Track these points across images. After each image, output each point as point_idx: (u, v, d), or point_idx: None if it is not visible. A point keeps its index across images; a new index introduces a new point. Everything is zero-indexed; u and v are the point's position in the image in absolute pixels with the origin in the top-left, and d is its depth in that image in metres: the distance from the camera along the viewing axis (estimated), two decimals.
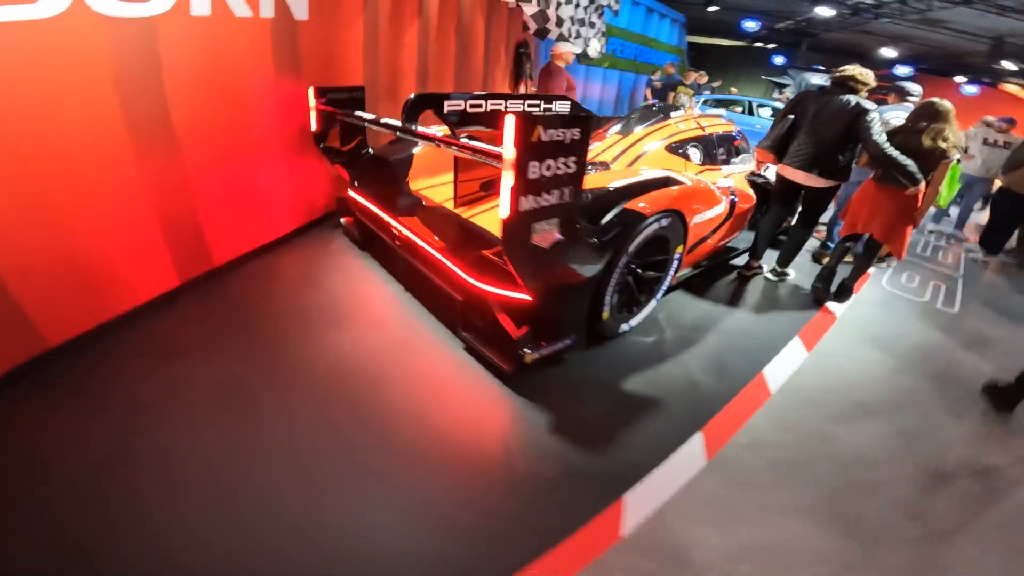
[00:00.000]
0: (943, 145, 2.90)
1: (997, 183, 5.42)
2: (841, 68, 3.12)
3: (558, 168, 1.66)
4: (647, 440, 2.08)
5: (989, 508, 1.96)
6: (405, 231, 2.64)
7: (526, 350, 2.12)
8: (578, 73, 9.85)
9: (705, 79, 8.49)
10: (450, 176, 3.14)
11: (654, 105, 4.04)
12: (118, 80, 2.07)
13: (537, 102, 3.33)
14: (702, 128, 3.75)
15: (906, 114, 3.27)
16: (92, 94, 2.01)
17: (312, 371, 2.24)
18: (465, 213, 2.79)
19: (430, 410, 2.10)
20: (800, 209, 3.53)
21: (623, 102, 10.56)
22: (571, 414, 2.15)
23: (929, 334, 3.35)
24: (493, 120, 2.94)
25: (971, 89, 13.34)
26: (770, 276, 3.73)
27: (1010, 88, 12.73)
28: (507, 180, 1.57)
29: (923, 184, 2.93)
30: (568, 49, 4.91)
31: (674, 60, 9.95)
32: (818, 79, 11.28)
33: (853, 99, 2.99)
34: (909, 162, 2.86)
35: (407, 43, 4.35)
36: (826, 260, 3.69)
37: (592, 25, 6.40)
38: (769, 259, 3.81)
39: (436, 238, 2.49)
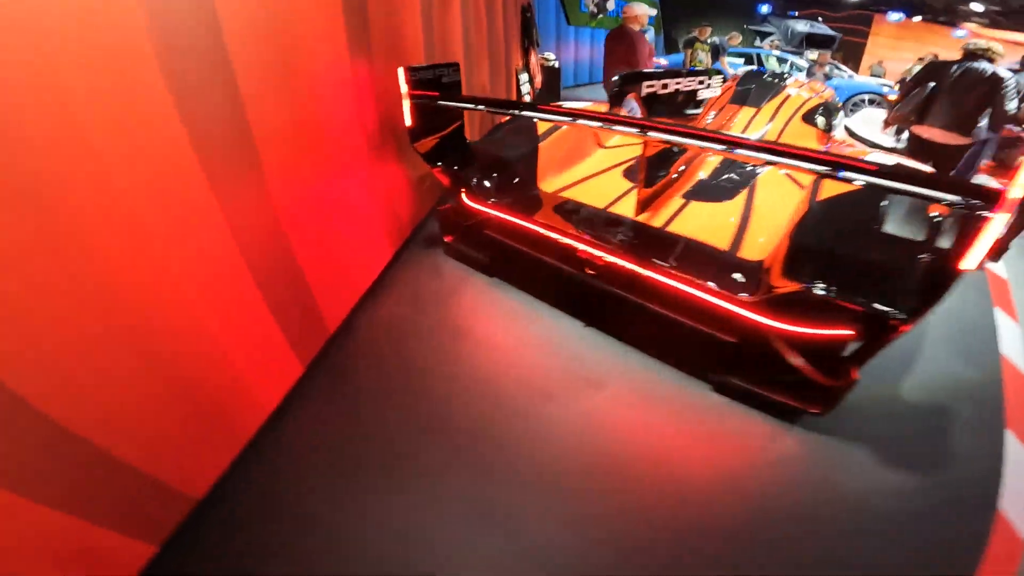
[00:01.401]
0: None
1: None
2: (974, 42, 3.30)
3: None
4: (963, 451, 1.86)
5: None
6: (613, 259, 2.05)
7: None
8: (569, 35, 9.35)
9: (738, 39, 8.21)
10: (583, 170, 2.76)
11: (763, 72, 3.80)
12: (168, 68, 1.21)
13: (702, 78, 2.73)
14: (820, 95, 3.55)
15: None
16: (136, 93, 1.15)
17: (538, 456, 1.76)
18: (652, 219, 2.28)
19: (724, 477, 1.70)
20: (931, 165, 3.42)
21: (594, 60, 10.24)
22: (866, 439, 1.86)
23: None
24: (676, 105, 2.47)
25: (895, 16, 13.68)
26: None
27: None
28: (996, 227, 1.19)
29: None
30: (644, 10, 4.28)
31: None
32: (802, 26, 11.32)
33: (990, 68, 3.18)
34: None
35: (453, 14, 3.70)
36: None
37: None
38: None
39: (672, 267, 1.93)
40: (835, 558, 1.49)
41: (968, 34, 13.31)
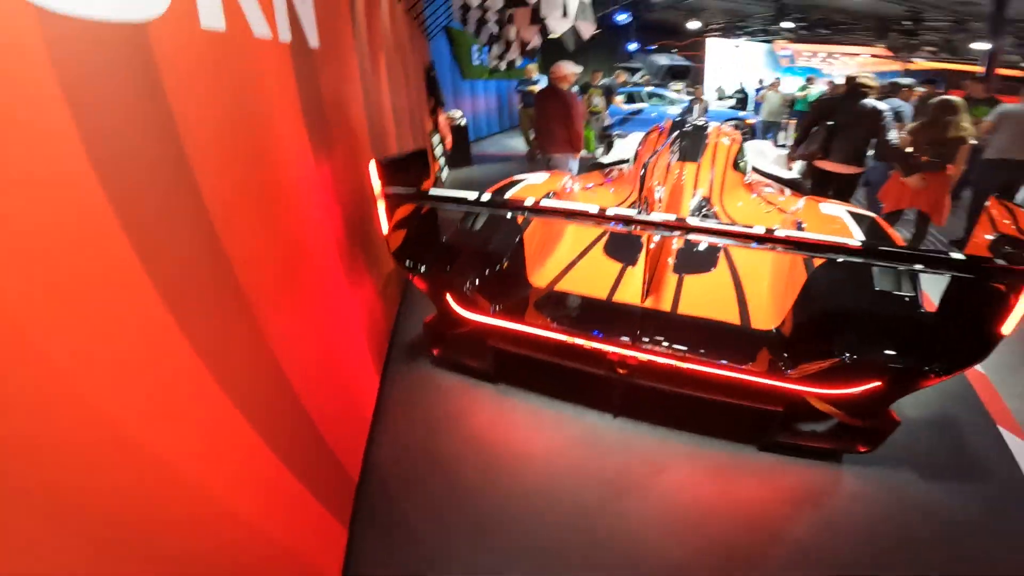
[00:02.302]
0: (963, 132, 3.53)
1: None
2: (851, 76, 3.78)
3: None
4: (976, 453, 2.14)
5: None
6: (645, 356, 2.04)
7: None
8: (465, 89, 9.51)
9: (623, 77, 8.87)
10: (565, 255, 2.67)
11: (685, 121, 3.99)
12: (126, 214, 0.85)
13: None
14: (734, 140, 3.82)
15: None
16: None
17: (640, 551, 1.71)
18: (659, 302, 2.28)
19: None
20: (832, 194, 3.94)
21: (504, 112, 10.45)
22: (900, 460, 2.05)
23: None
24: None
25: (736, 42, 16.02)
26: None
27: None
28: None
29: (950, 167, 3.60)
30: (572, 68, 4.20)
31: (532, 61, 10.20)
32: (663, 60, 12.74)
33: (871, 103, 3.59)
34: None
35: (382, 80, 3.56)
36: None
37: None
38: None
39: (703, 353, 1.98)
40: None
41: (791, 55, 15.92)
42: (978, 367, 2.72)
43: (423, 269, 2.25)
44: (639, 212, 1.84)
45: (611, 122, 7.77)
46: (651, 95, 9.62)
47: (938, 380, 1.64)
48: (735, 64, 15.22)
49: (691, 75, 13.44)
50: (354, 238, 2.33)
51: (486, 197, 2.12)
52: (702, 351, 1.95)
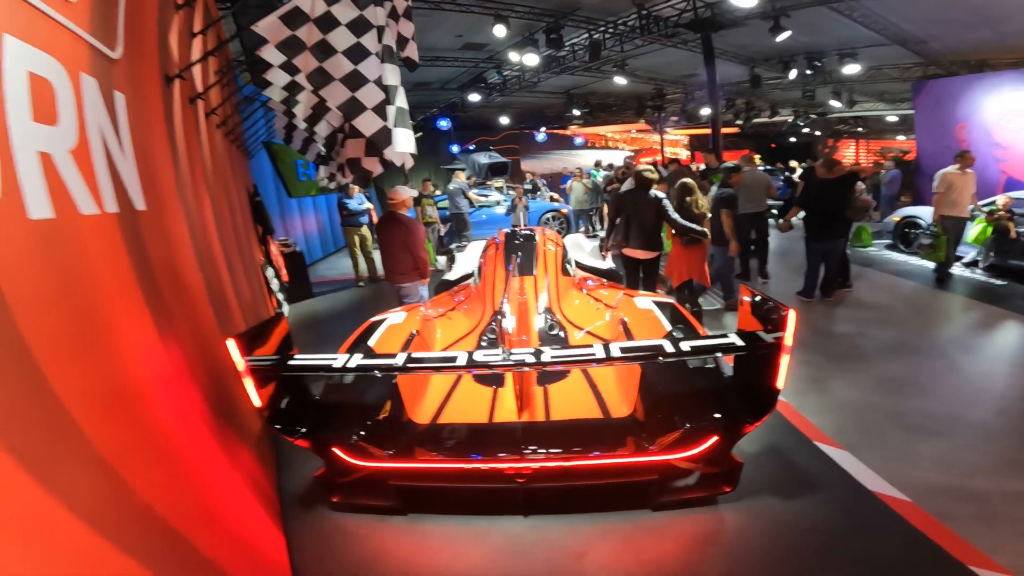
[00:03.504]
0: (702, 209, 4.57)
1: None
2: (637, 170, 4.65)
3: None
4: (808, 465, 2.74)
5: None
6: (537, 464, 2.25)
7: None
8: (293, 209, 9.13)
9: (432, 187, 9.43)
10: (439, 389, 2.77)
11: (515, 235, 4.33)
12: None
13: None
14: (558, 244, 4.39)
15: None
16: None
17: None
18: (534, 414, 2.55)
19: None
20: (642, 277, 4.77)
21: (337, 230, 10.21)
22: (757, 488, 2.52)
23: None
24: None
25: (540, 136, 18.68)
26: None
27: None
28: (786, 360, 2.03)
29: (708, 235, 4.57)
30: (410, 192, 4.44)
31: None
32: (484, 158, 14.06)
33: (652, 193, 4.42)
34: (694, 226, 4.38)
35: (208, 222, 3.40)
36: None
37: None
38: None
39: (578, 447, 2.28)
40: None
41: (584, 140, 18.83)
42: (781, 398, 3.43)
43: (302, 431, 2.27)
44: (502, 352, 2.18)
45: (446, 230, 8.16)
46: (482, 195, 10.49)
47: (754, 426, 2.18)
48: (545, 156, 17.52)
49: (509, 170, 14.99)
50: (214, 406, 2.24)
51: (354, 361, 2.20)
52: (580, 448, 2.27)
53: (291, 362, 2.26)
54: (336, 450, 2.29)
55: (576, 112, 15.48)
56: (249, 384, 2.07)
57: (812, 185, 5.53)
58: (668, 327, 2.80)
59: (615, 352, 2.13)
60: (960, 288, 5.92)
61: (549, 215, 10.04)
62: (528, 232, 4.42)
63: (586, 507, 2.45)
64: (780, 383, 2.05)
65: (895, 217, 8.18)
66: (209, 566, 1.52)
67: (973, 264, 6.48)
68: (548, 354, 2.14)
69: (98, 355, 1.37)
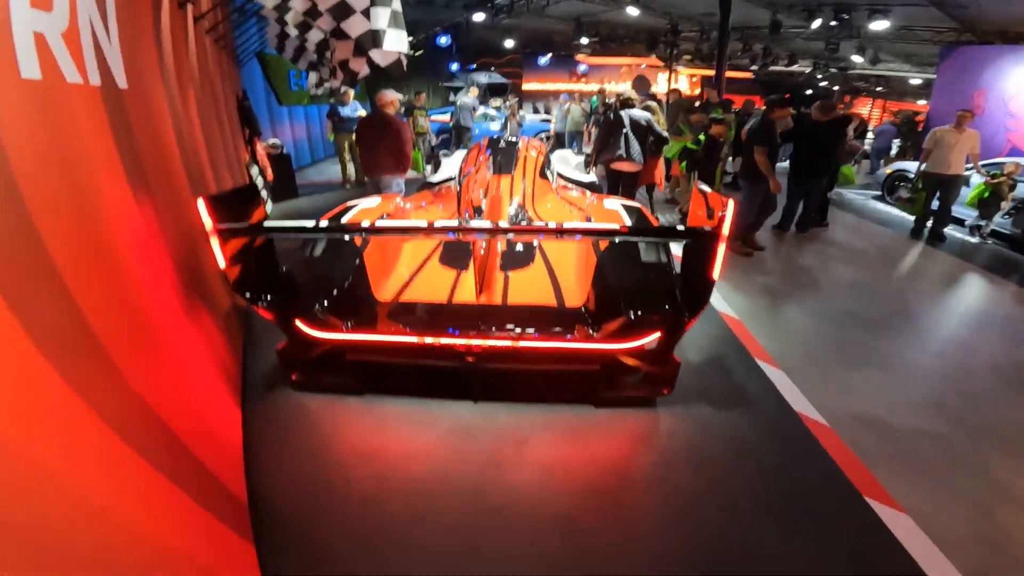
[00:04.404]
0: (661, 126, 5.41)
1: None
2: (624, 96, 5.22)
3: None
4: (746, 381, 2.93)
5: None
6: (486, 343, 2.38)
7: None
8: (284, 116, 9.18)
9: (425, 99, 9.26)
10: (405, 269, 2.94)
11: (499, 139, 4.58)
12: None
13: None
14: (540, 152, 4.58)
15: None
16: None
17: (526, 511, 2.04)
18: (491, 297, 2.68)
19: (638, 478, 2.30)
20: (623, 190, 5.27)
21: (316, 137, 10.25)
22: (696, 396, 2.72)
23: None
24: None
25: (544, 60, 17.98)
26: None
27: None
28: (721, 250, 2.05)
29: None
30: (395, 95, 4.64)
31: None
32: (483, 78, 13.69)
33: (639, 113, 5.01)
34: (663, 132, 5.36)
35: (193, 116, 3.53)
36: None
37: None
38: None
39: (528, 331, 2.39)
40: (743, 486, 2.19)
41: (586, 67, 18.18)
42: (734, 315, 3.63)
43: (267, 299, 2.34)
44: (461, 222, 2.22)
45: (437, 142, 8.21)
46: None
47: (693, 322, 2.27)
48: (549, 79, 16.93)
49: (508, 92, 14.70)
50: (185, 275, 2.34)
51: (323, 224, 2.32)
52: (530, 330, 2.40)
53: (258, 223, 2.27)
54: (298, 322, 2.40)
55: (584, 40, 14.82)
56: (215, 243, 2.10)
57: (805, 126, 5.47)
58: (628, 223, 2.98)
59: (567, 226, 2.31)
60: (940, 244, 5.98)
61: (543, 135, 10.04)
62: (512, 140, 4.64)
63: (533, 397, 2.64)
64: (715, 274, 2.10)
65: (887, 170, 8.47)
66: (162, 426, 1.62)
67: (976, 228, 6.26)
68: (505, 224, 2.26)
69: (81, 205, 1.49)
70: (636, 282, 2.48)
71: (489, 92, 13.72)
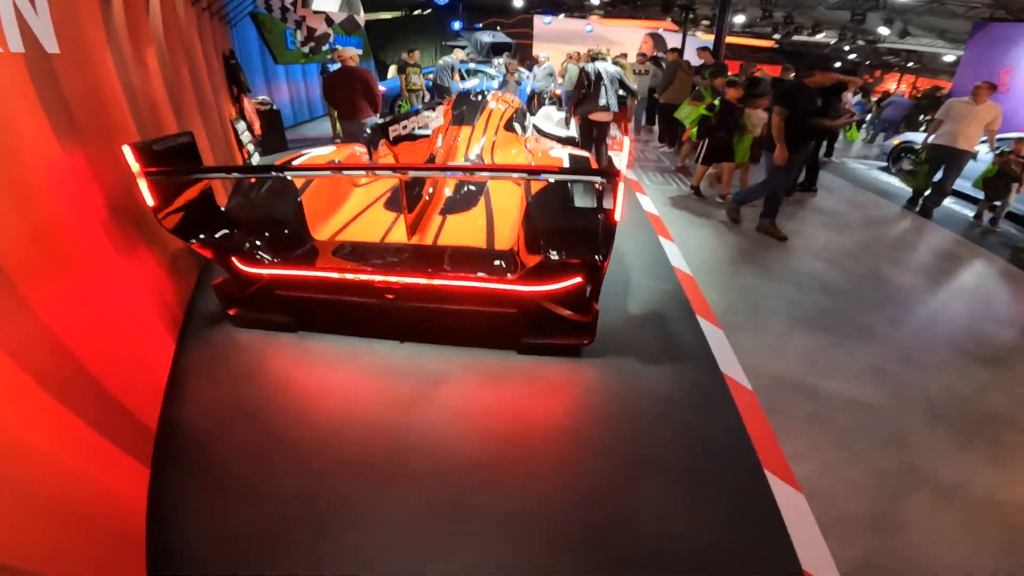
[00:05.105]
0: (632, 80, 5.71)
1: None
2: (592, 51, 5.58)
3: None
4: (681, 338, 2.88)
5: None
6: (404, 280, 2.43)
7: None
8: (280, 75, 9.27)
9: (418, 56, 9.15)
10: (348, 212, 3.05)
11: (469, 93, 4.62)
12: None
13: (428, 112, 3.39)
14: (511, 105, 4.61)
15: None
16: None
17: (430, 456, 2.07)
18: (423, 239, 2.76)
19: (555, 420, 2.31)
20: (596, 138, 5.63)
21: (313, 95, 10.34)
22: (626, 350, 2.71)
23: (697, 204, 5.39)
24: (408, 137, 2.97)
25: (547, 20, 17.52)
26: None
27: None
28: (622, 190, 2.01)
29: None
30: (354, 52, 5.11)
31: (358, 42, 10.14)
32: (487, 37, 13.41)
33: (612, 67, 5.35)
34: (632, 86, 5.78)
35: (153, 75, 3.58)
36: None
37: None
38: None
39: (452, 272, 2.43)
40: (650, 444, 2.16)
41: (592, 28, 17.66)
42: (689, 272, 3.58)
43: (201, 237, 2.44)
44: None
45: (429, 99, 8.14)
46: (472, 72, 10.12)
47: (606, 265, 2.22)
48: (559, 40, 16.49)
49: (513, 50, 14.38)
50: (121, 216, 2.42)
51: (248, 166, 2.35)
52: (448, 269, 2.42)
53: (185, 167, 2.37)
54: (233, 258, 2.51)
55: (595, 1, 14.35)
56: (143, 185, 2.19)
57: (800, 90, 5.20)
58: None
59: (479, 164, 2.47)
60: (936, 216, 5.71)
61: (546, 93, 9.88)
62: (482, 93, 4.68)
63: (456, 339, 2.66)
64: (618, 215, 2.05)
65: (895, 140, 8.13)
66: (68, 354, 1.71)
67: (988, 210, 5.65)
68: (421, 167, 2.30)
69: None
70: (562, 227, 2.45)
71: (492, 51, 13.45)
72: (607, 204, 2.18)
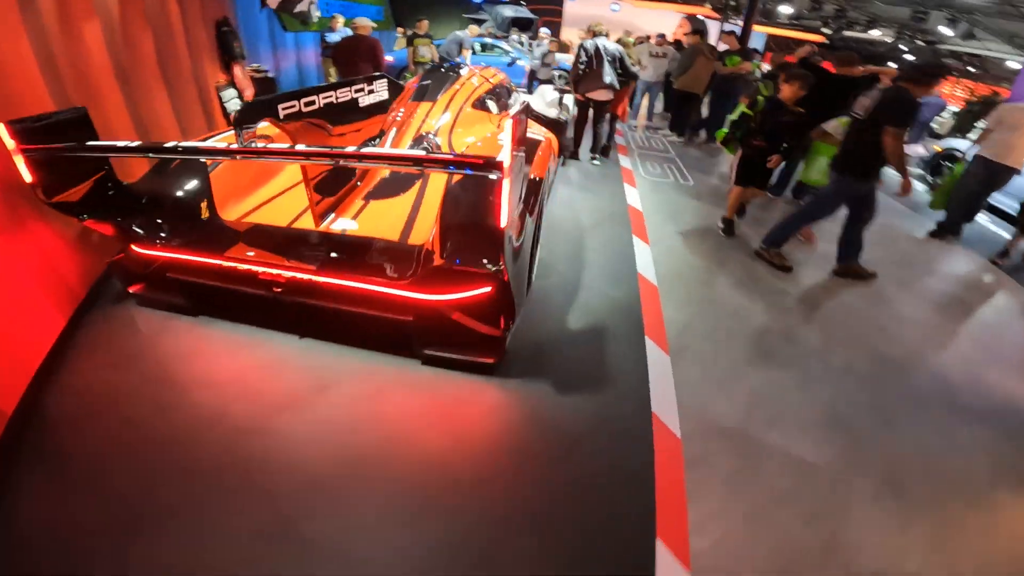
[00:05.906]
0: (634, 59, 6.04)
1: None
2: (594, 27, 5.37)
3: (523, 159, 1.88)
4: (620, 361, 2.52)
5: None
6: (292, 274, 2.19)
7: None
8: (288, 43, 9.19)
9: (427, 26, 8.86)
10: (270, 191, 2.81)
11: (441, 66, 4.24)
12: None
13: (360, 85, 3.01)
14: (489, 81, 4.24)
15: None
16: None
17: (292, 466, 1.85)
18: (333, 224, 2.52)
19: (435, 439, 2.02)
20: (593, 117, 5.62)
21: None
22: (549, 370, 2.41)
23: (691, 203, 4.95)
24: (332, 115, 2.64)
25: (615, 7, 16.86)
26: (596, 162, 5.96)
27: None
28: (506, 188, 1.61)
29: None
30: (369, 22, 5.44)
31: (377, 11, 9.88)
32: (508, 12, 12.95)
33: (612, 45, 5.24)
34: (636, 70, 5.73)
35: (92, 45, 3.39)
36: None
37: None
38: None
39: (340, 266, 2.18)
40: (555, 481, 1.88)
41: (618, 7, 16.93)
42: (652, 280, 3.22)
43: (87, 214, 2.27)
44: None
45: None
46: (487, 47, 9.74)
47: (505, 276, 1.88)
48: (589, 18, 15.83)
49: (534, 26, 13.86)
50: (15, 196, 2.28)
51: (134, 145, 2.11)
52: (339, 264, 2.15)
53: (68, 144, 2.13)
54: (123, 237, 2.34)
55: None
56: (19, 162, 2.05)
57: (819, 79, 4.53)
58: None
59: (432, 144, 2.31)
60: (951, 238, 5.01)
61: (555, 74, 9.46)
62: (454, 65, 4.31)
63: (355, 340, 2.41)
64: (503, 219, 1.68)
65: (936, 147, 7.31)
66: None
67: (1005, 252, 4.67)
68: (352, 150, 1.93)
69: None
70: (469, 226, 2.07)
71: (513, 25, 12.95)
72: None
